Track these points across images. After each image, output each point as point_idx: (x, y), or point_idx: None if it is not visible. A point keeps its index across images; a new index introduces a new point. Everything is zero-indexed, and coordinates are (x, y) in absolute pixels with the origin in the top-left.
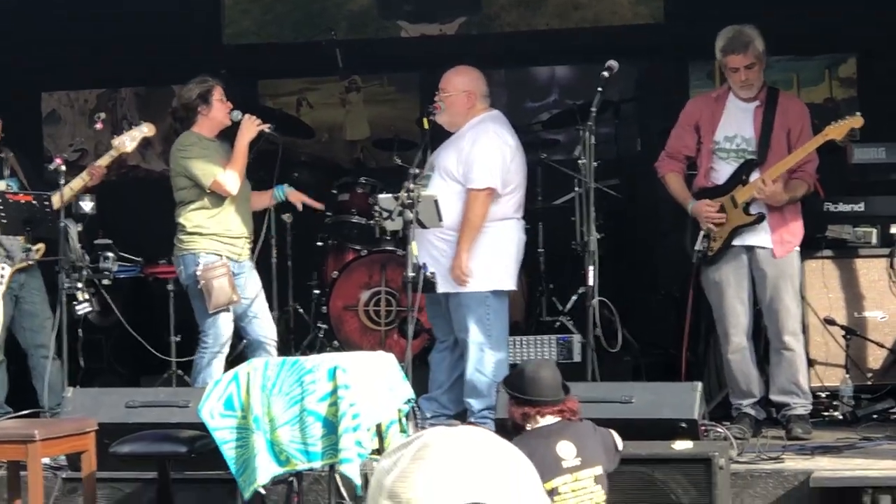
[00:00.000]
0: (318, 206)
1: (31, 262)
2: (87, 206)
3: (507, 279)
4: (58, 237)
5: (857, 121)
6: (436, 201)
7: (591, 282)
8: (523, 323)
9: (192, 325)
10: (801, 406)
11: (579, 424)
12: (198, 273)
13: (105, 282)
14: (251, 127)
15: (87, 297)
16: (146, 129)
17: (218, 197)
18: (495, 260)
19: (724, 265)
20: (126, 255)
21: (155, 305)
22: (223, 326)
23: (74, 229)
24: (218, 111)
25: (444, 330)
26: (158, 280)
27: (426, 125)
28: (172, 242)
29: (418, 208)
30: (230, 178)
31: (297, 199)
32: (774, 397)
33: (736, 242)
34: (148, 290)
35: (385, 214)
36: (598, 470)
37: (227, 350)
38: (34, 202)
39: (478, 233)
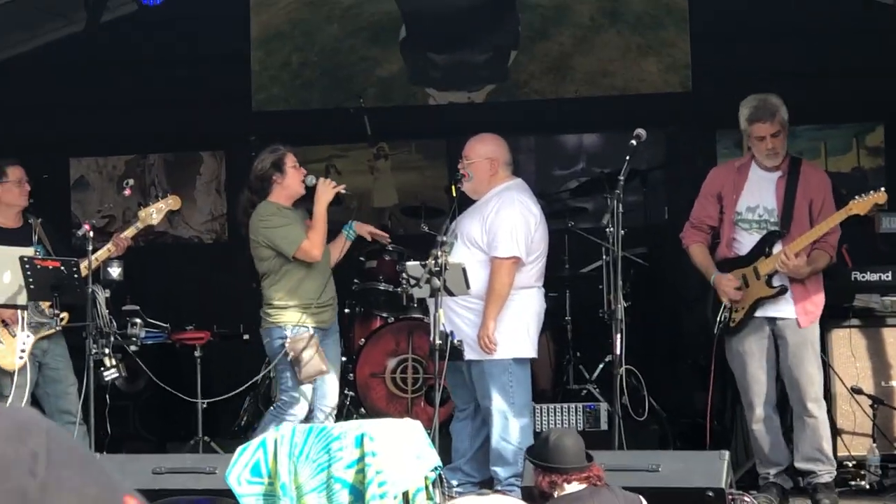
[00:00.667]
0: (384, 235)
1: (56, 329)
2: (115, 272)
3: (529, 347)
4: (85, 303)
5: (881, 196)
6: (464, 269)
7: (617, 350)
8: (550, 391)
9: (219, 391)
10: (827, 473)
11: (606, 490)
12: (286, 344)
13: (132, 348)
14: (328, 189)
15: (114, 363)
16: (171, 202)
17: (301, 265)
18: (517, 328)
19: (747, 336)
20: (153, 321)
21: (182, 371)
22: (307, 393)
23: (102, 295)
24: (292, 178)
25: (464, 398)
26: (186, 346)
27: (454, 192)
28: (198, 308)
29: (446, 276)
30: (314, 244)
31: (365, 231)
32: (799, 465)
33: (758, 314)
34: (175, 356)
35: (413, 282)
36: None
37: (331, 421)
38: (62, 268)
39: (504, 301)
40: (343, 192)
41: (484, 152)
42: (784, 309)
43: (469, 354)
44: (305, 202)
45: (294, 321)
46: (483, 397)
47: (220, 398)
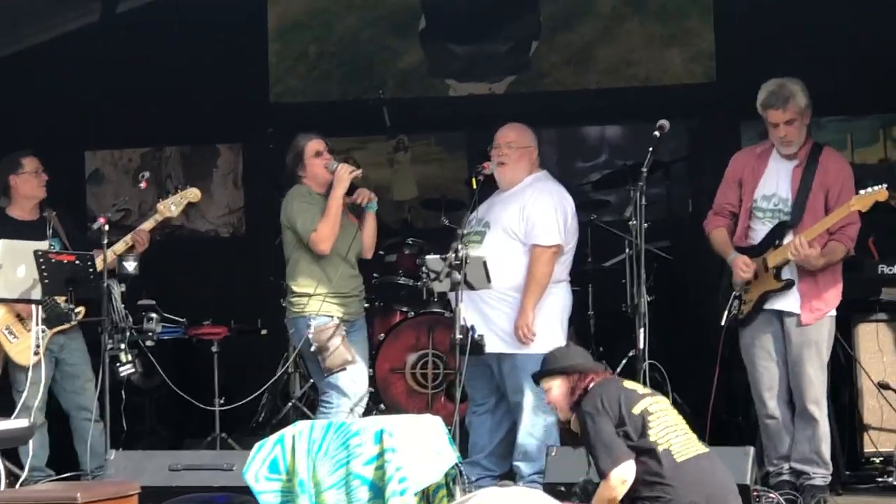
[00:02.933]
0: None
1: (72, 324)
2: (131, 266)
3: (561, 339)
4: (101, 298)
5: (881, 194)
6: (484, 262)
7: (641, 345)
8: None
9: (236, 387)
10: (821, 477)
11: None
12: (310, 336)
13: (149, 343)
14: (344, 176)
15: (130, 358)
16: (191, 195)
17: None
18: (551, 322)
19: (756, 330)
20: (170, 316)
21: (199, 367)
22: (346, 386)
23: (118, 290)
24: (316, 168)
25: (483, 392)
26: (203, 341)
27: (474, 185)
28: (215, 303)
29: (466, 269)
30: (321, 237)
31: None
32: (795, 465)
33: (766, 307)
34: (192, 352)
35: (433, 276)
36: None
37: (360, 409)
38: (77, 262)
39: (543, 290)
40: (360, 177)
41: (526, 140)
42: (790, 304)
43: (501, 347)
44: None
45: (317, 310)
46: (514, 392)
47: (236, 405)
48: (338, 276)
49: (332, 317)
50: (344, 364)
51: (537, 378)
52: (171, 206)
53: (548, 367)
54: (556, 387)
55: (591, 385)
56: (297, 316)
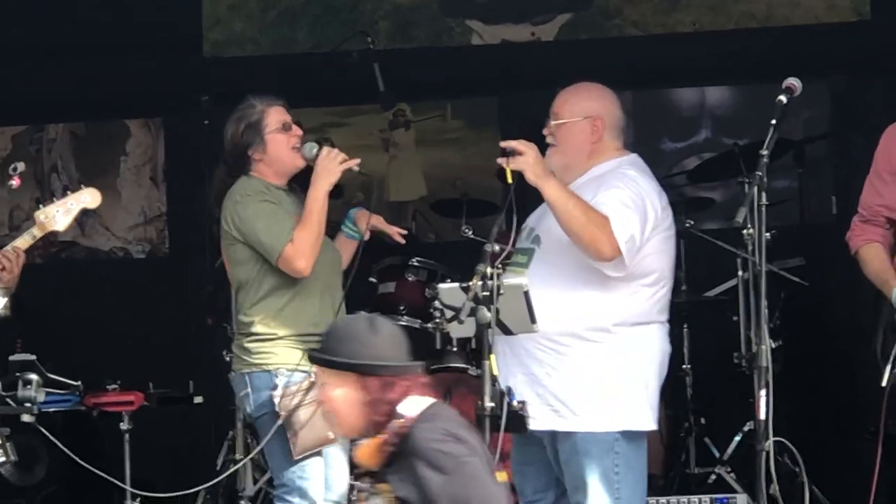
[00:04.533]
0: (398, 230)
1: None
2: None
3: (647, 414)
4: None
5: None
6: (526, 293)
7: (762, 414)
8: (662, 476)
9: (159, 482)
10: None
11: None
12: (275, 401)
13: (27, 418)
14: (332, 166)
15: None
16: (88, 198)
17: (296, 278)
18: (630, 385)
19: None
20: (58, 378)
21: (101, 452)
22: (314, 483)
23: None
24: (277, 147)
25: (535, 485)
26: (107, 415)
27: (510, 178)
28: (126, 358)
29: (500, 304)
30: (300, 251)
31: (373, 223)
32: None
33: None
34: (91, 431)
35: (450, 314)
36: None
37: None
38: None
39: (583, 210)
40: (356, 169)
41: (581, 109)
42: None
43: (550, 423)
44: (303, 182)
45: (288, 362)
46: (574, 487)
47: (162, 497)
48: (327, 309)
49: (307, 372)
50: (321, 445)
51: (312, 360)
52: (55, 216)
53: (328, 355)
54: (342, 394)
55: (412, 422)
56: (255, 370)
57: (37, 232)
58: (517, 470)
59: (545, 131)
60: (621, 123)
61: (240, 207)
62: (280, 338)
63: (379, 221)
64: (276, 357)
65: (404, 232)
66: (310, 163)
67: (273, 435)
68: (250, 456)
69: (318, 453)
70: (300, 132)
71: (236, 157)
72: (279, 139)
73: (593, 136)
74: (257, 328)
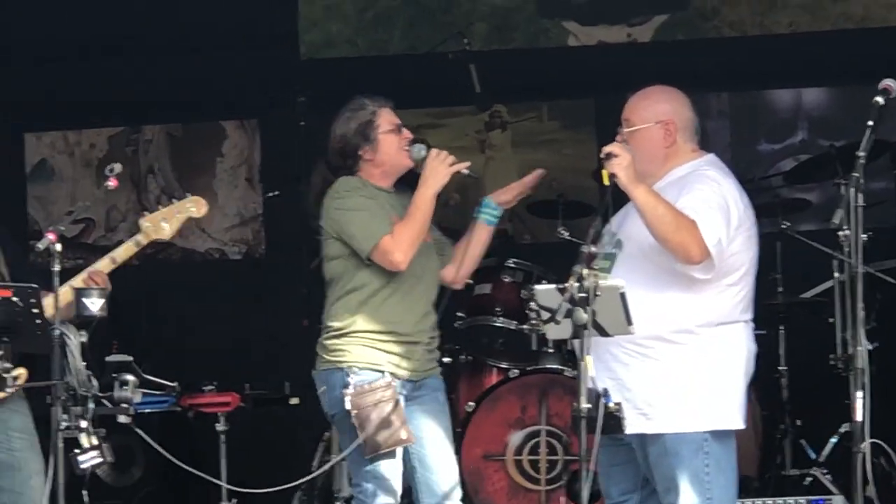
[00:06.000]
0: (537, 175)
1: (7, 393)
2: (94, 304)
3: (735, 413)
4: (50, 352)
5: None
6: (622, 294)
7: (859, 416)
8: (757, 478)
9: (253, 482)
10: None
11: None
12: (346, 398)
13: (123, 419)
14: (441, 167)
15: (94, 442)
16: (193, 208)
17: (384, 274)
18: (716, 385)
19: None
20: (154, 379)
21: (199, 453)
22: (388, 478)
23: (76, 340)
24: (389, 148)
25: (622, 486)
26: (203, 416)
27: (606, 179)
28: (222, 359)
29: (597, 305)
30: (401, 244)
31: (511, 195)
32: None
33: None
34: (188, 431)
35: (546, 315)
36: None
37: None
38: (15, 299)
39: (672, 219)
40: (466, 172)
41: (654, 113)
42: None
43: (641, 425)
44: (410, 185)
45: (362, 360)
46: (665, 489)
47: (258, 491)
48: (419, 312)
49: (381, 371)
50: (395, 444)
51: None
52: (161, 225)
53: None
54: None
55: None
56: (331, 367)
57: (142, 239)
58: (604, 472)
59: (618, 138)
60: (693, 124)
61: (339, 202)
62: (355, 334)
63: (518, 186)
64: (349, 355)
65: (540, 171)
66: (417, 165)
67: (348, 434)
68: (341, 457)
69: (392, 454)
70: (410, 134)
71: (346, 157)
72: (391, 140)
73: (667, 140)
74: (334, 323)
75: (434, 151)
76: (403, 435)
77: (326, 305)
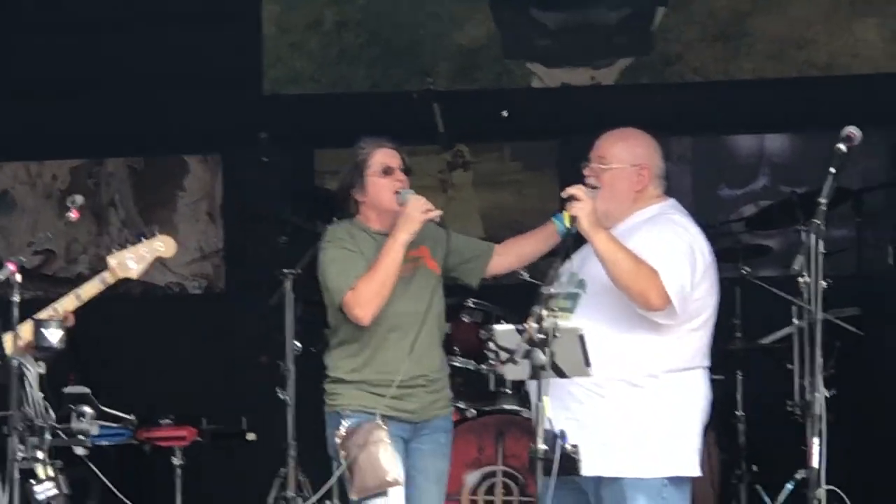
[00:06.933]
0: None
1: None
2: (53, 336)
3: (693, 459)
4: (7, 383)
5: None
6: (581, 337)
7: (815, 462)
8: None
9: None
10: None
11: None
12: (336, 441)
13: (80, 451)
14: (415, 216)
15: (51, 473)
16: (162, 248)
17: (375, 321)
18: (676, 430)
19: None
20: (111, 412)
21: (155, 487)
22: None
23: (34, 371)
24: (379, 191)
25: None
26: (159, 449)
27: (568, 221)
28: (179, 393)
29: (555, 347)
30: (360, 299)
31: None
32: None
33: None
34: (144, 465)
35: (504, 356)
36: None
37: None
38: None
39: (633, 264)
40: (436, 220)
41: (629, 156)
42: None
43: (597, 468)
44: None
45: (354, 403)
46: None
47: None
48: (390, 358)
49: (373, 413)
50: (382, 486)
51: None
52: (128, 263)
53: None
54: None
55: None
56: (330, 411)
57: (108, 278)
58: None
59: (587, 172)
60: (663, 171)
61: (321, 254)
62: (348, 382)
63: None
64: (341, 398)
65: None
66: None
67: (341, 476)
68: (316, 497)
69: (384, 493)
70: (402, 177)
71: (344, 199)
72: (379, 182)
73: (639, 184)
74: (331, 371)
75: (412, 198)
76: (390, 477)
77: (327, 349)
